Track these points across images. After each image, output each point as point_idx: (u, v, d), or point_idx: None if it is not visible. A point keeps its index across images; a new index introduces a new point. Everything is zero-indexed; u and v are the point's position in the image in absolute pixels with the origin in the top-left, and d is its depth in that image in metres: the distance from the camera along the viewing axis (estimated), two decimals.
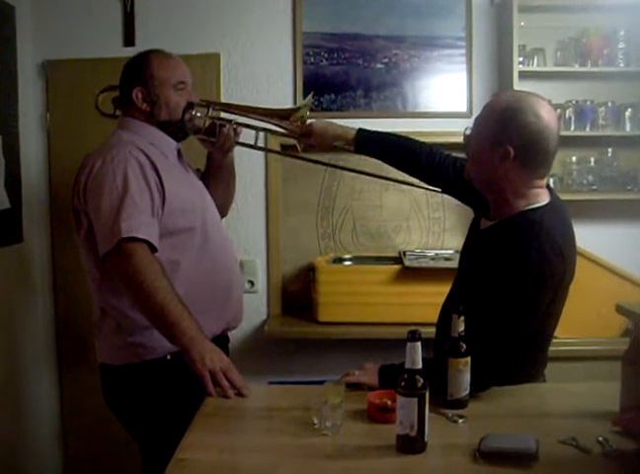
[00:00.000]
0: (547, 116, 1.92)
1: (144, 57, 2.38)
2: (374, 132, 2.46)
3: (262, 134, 2.77)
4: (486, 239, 2.06)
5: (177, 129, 2.40)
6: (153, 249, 2.13)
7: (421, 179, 2.48)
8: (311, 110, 2.63)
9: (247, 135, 2.63)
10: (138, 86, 2.34)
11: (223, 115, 2.63)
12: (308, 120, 2.52)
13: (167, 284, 2.08)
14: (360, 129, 2.44)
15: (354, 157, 2.79)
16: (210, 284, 2.34)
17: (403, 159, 2.44)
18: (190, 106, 2.40)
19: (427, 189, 2.63)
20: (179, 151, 2.43)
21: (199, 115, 2.44)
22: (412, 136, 3.19)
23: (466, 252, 2.23)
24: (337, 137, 2.47)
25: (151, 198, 2.18)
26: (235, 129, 2.51)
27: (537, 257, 1.87)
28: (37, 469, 3.42)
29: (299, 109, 2.55)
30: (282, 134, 2.62)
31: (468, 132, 2.05)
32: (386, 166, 2.91)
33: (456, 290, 2.21)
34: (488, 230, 2.06)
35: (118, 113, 2.54)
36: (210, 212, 2.44)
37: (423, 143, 2.44)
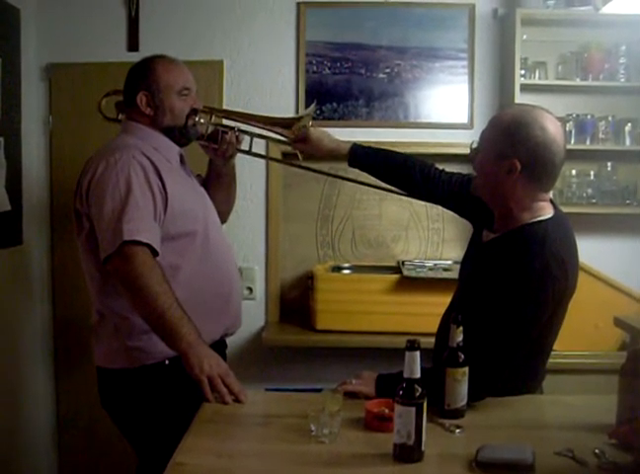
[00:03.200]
0: (553, 129, 1.93)
1: (149, 62, 2.39)
2: (369, 148, 2.46)
3: (263, 142, 2.78)
4: (489, 251, 2.06)
5: (180, 135, 2.40)
6: (155, 253, 2.13)
7: (415, 195, 2.50)
8: (313, 118, 2.63)
9: (249, 143, 2.64)
10: (143, 91, 2.35)
11: (226, 122, 2.63)
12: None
13: (167, 289, 2.09)
14: (355, 145, 2.45)
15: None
16: (210, 290, 2.34)
17: (397, 175, 2.44)
18: (193, 112, 2.40)
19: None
20: (181, 156, 2.44)
21: (202, 121, 2.45)
22: (413, 146, 3.24)
23: (467, 263, 2.23)
24: (330, 151, 2.48)
25: (154, 203, 2.19)
26: (237, 137, 2.52)
27: (540, 270, 1.87)
28: (32, 469, 3.42)
29: (302, 118, 2.55)
30: (284, 143, 2.62)
31: (475, 146, 2.06)
32: None
33: (457, 301, 2.21)
34: (491, 242, 2.07)
35: (120, 117, 2.55)
36: (212, 218, 2.45)
37: (417, 159, 2.44)
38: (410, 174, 2.39)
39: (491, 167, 1.98)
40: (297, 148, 2.55)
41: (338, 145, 2.47)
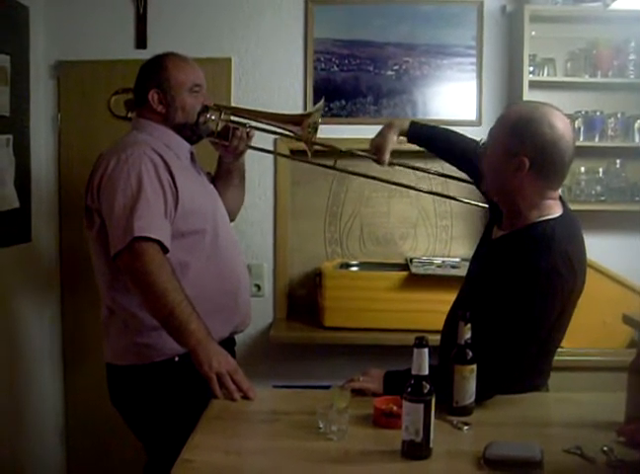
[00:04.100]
0: (562, 126, 1.93)
1: (161, 60, 2.40)
2: (425, 126, 2.54)
3: (270, 139, 2.78)
4: (497, 249, 2.06)
5: (191, 132, 2.41)
6: (165, 250, 2.14)
7: (466, 172, 2.51)
8: (321, 116, 2.63)
9: (258, 140, 2.64)
10: (154, 88, 2.36)
11: (236, 118, 2.63)
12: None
13: (177, 286, 2.09)
14: (413, 121, 2.52)
15: (363, 163, 2.80)
16: (219, 287, 2.35)
17: (451, 152, 2.50)
18: (204, 109, 2.41)
19: (460, 179, 2.68)
20: (192, 154, 2.45)
21: (213, 118, 2.46)
22: None
23: (476, 260, 2.23)
24: (398, 133, 2.50)
25: (164, 199, 2.20)
26: (248, 133, 2.53)
27: (548, 268, 1.87)
28: (40, 467, 3.43)
29: (311, 114, 2.55)
30: (295, 138, 2.62)
31: (483, 143, 2.05)
32: (395, 172, 2.93)
33: (464, 297, 2.21)
34: (500, 240, 2.07)
35: (130, 115, 2.56)
36: (221, 215, 2.45)
37: (470, 138, 2.48)
38: (463, 153, 2.44)
39: (499, 164, 1.97)
40: (384, 159, 2.55)
41: (399, 125, 2.52)
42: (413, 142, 2.53)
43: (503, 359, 1.91)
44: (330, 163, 2.79)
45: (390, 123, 2.54)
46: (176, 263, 2.18)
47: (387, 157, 2.53)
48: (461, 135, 2.51)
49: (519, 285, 1.90)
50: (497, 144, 1.99)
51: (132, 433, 2.41)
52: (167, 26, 3.43)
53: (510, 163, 1.94)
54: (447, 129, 2.55)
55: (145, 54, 2.50)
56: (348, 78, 3.47)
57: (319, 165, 2.78)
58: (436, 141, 2.52)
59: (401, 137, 2.53)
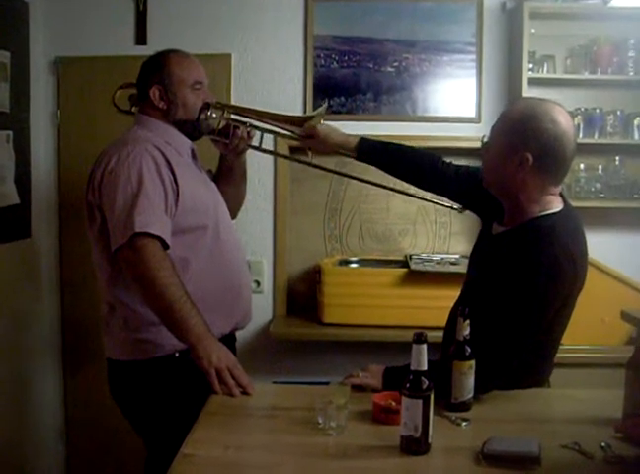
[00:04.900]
0: (564, 122, 1.93)
1: (163, 57, 2.41)
2: (377, 142, 2.45)
3: (270, 136, 2.78)
4: (498, 244, 2.07)
5: (192, 129, 2.42)
6: (165, 246, 2.15)
7: (424, 188, 2.47)
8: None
9: (258, 137, 2.64)
10: (156, 84, 2.37)
11: (237, 117, 2.63)
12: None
13: (177, 281, 2.10)
14: (363, 138, 2.43)
15: (361, 164, 2.81)
16: (220, 283, 2.35)
17: (405, 169, 2.41)
18: (206, 106, 2.42)
19: (439, 204, 2.65)
20: (193, 151, 2.45)
21: (214, 115, 2.46)
22: (420, 140, 3.22)
23: (476, 256, 2.23)
24: (339, 145, 2.45)
25: (165, 196, 2.20)
26: (249, 132, 2.53)
27: (549, 263, 1.87)
28: (40, 463, 3.44)
29: (313, 117, 2.55)
30: (294, 139, 2.62)
31: (486, 140, 2.06)
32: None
33: (466, 294, 2.21)
34: (500, 236, 2.07)
35: (134, 109, 2.56)
36: (222, 212, 2.46)
37: (425, 152, 2.44)
38: (419, 169, 2.39)
39: (502, 160, 1.98)
40: (306, 145, 2.55)
41: (346, 139, 2.44)
42: (362, 159, 2.45)
43: (502, 353, 1.92)
44: (327, 162, 2.79)
45: (338, 140, 2.45)
46: (177, 259, 2.19)
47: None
48: (417, 150, 2.42)
49: (520, 279, 1.90)
50: (500, 140, 1.99)
51: (132, 428, 2.42)
52: (167, 22, 3.43)
53: (512, 159, 1.95)
54: (400, 145, 2.43)
55: (145, 51, 2.51)
56: (347, 74, 3.47)
57: (317, 167, 2.79)
58: (385, 158, 2.42)
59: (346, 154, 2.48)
